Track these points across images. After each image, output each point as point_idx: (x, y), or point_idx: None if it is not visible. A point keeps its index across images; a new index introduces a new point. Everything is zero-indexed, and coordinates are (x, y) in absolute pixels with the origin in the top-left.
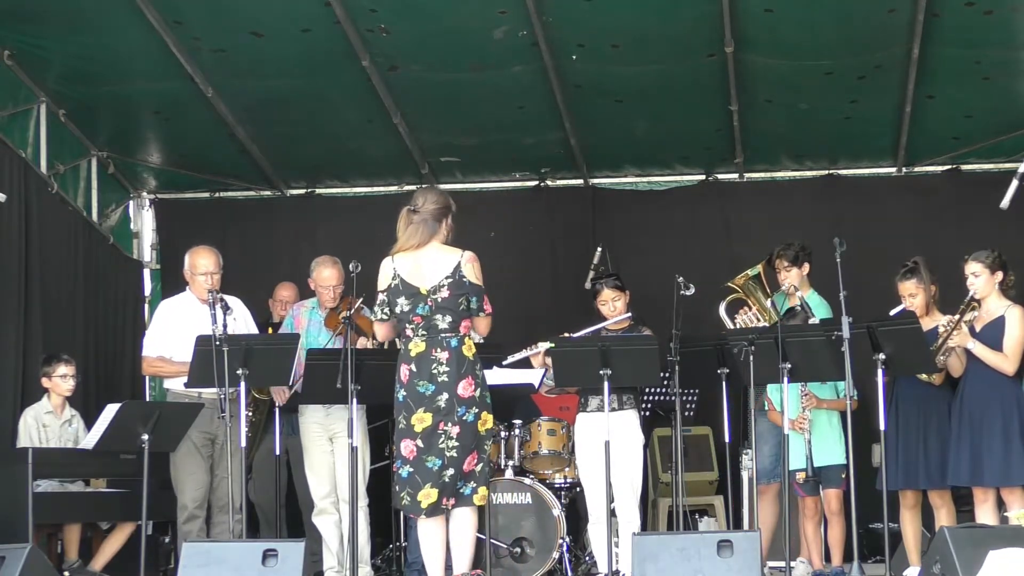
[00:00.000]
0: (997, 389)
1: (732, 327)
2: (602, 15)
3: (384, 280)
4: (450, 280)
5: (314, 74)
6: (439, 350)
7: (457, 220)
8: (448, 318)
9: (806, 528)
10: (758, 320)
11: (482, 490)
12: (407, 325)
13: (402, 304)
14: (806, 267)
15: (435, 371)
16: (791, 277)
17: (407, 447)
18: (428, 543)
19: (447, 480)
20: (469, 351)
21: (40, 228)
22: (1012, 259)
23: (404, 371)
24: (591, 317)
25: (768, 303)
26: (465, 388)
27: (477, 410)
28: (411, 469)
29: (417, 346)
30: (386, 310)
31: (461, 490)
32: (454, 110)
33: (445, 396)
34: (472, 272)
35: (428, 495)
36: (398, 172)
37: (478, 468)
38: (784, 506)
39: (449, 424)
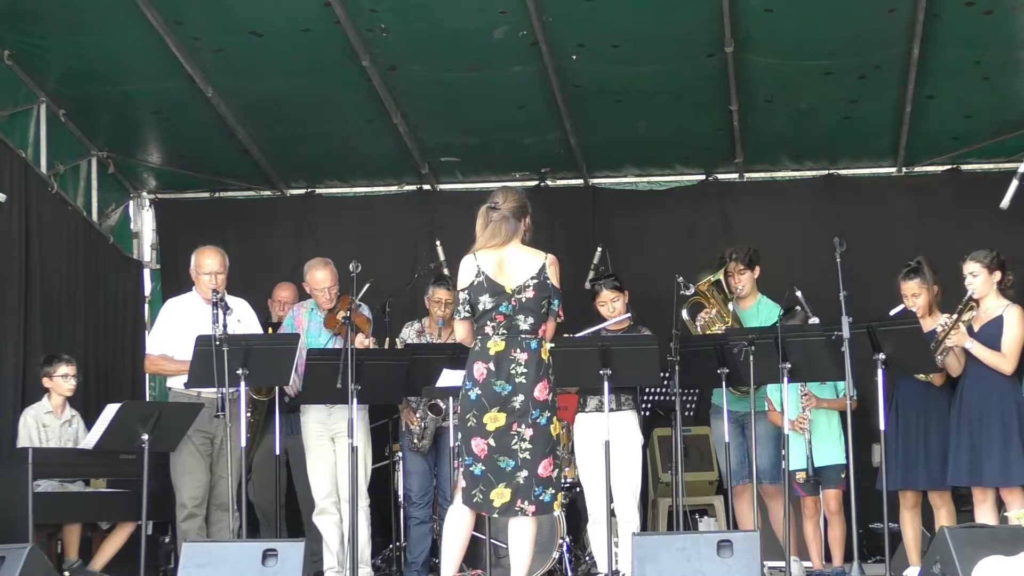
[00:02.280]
0: (996, 389)
1: (695, 328)
2: (602, 15)
3: (467, 277)
4: (535, 281)
5: (314, 74)
6: (519, 351)
7: (456, 220)
8: (531, 319)
9: (806, 528)
10: (719, 320)
11: (560, 496)
12: (487, 323)
13: (485, 301)
14: (758, 270)
15: (513, 371)
16: (744, 280)
17: (478, 445)
18: (451, 534)
19: (520, 482)
20: (545, 355)
21: (40, 228)
22: (1012, 259)
23: (480, 369)
24: (591, 317)
25: (729, 306)
26: (541, 391)
27: (550, 414)
28: (484, 467)
29: (496, 345)
30: (467, 308)
31: (540, 497)
32: (454, 110)
33: (521, 398)
34: (554, 275)
35: (501, 494)
36: (398, 172)
37: (554, 474)
38: (785, 505)
39: (523, 426)
